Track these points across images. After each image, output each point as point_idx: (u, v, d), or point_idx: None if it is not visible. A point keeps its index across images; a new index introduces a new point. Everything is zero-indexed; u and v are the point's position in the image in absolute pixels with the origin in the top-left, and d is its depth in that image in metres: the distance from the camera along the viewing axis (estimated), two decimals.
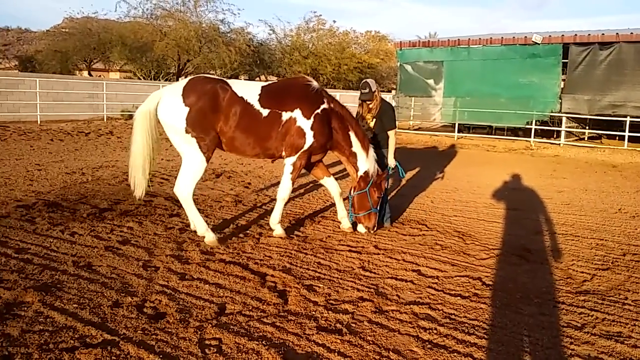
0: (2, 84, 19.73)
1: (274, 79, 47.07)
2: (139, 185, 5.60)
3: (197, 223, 5.58)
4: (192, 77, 5.78)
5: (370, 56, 45.16)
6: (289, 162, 5.78)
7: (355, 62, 43.62)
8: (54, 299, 3.93)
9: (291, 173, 5.79)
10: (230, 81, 5.67)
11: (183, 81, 5.57)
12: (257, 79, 45.61)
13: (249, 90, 5.63)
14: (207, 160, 5.49)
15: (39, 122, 18.83)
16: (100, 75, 37.31)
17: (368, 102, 6.42)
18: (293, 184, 5.91)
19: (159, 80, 33.96)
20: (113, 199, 7.27)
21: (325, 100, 5.86)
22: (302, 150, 5.71)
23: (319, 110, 5.75)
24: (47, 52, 34.94)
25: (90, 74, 37.44)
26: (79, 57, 36.37)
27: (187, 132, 5.32)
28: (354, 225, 6.29)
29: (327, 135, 5.87)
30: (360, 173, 6.08)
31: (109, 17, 37.32)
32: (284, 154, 5.78)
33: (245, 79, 42.72)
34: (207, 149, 5.44)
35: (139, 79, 35.60)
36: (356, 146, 6.03)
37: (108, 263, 4.76)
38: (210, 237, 5.47)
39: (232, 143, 5.58)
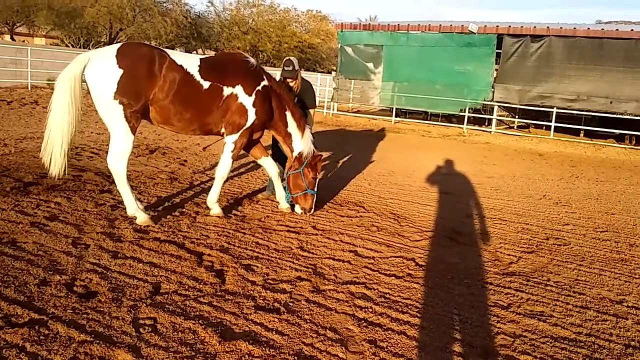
0: None
1: (211, 53, 45.97)
2: (55, 162, 5.03)
3: (127, 202, 5.30)
4: (125, 42, 5.49)
5: (311, 36, 45.02)
6: (230, 140, 5.67)
7: (296, 41, 43.39)
8: None
9: (232, 151, 5.69)
10: (168, 50, 5.45)
11: (116, 45, 5.21)
12: (195, 52, 44.36)
13: (188, 60, 5.40)
14: (133, 131, 5.14)
15: None
16: (24, 41, 34.99)
17: (289, 80, 6.37)
18: (233, 162, 5.82)
19: (89, 48, 32.29)
20: (39, 172, 6.89)
21: (264, 77, 5.79)
22: (244, 128, 5.63)
23: (259, 87, 5.67)
24: None
25: (12, 39, 35.03)
26: (0, 19, 33.94)
27: (114, 98, 4.94)
28: (292, 206, 6.30)
29: (268, 113, 5.80)
30: (295, 154, 6.07)
31: None
32: (223, 130, 5.66)
33: (181, 51, 41.48)
34: (133, 118, 5.07)
35: (67, 46, 33.71)
36: (292, 126, 6.02)
37: (34, 240, 4.52)
38: (142, 217, 5.25)
39: (167, 115, 5.27)
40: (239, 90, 5.54)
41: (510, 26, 19.41)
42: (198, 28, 39.68)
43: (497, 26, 19.56)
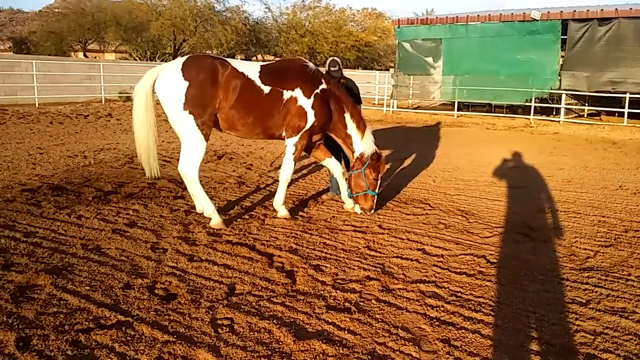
0: None
1: (270, 58, 46.77)
2: (150, 165, 5.54)
3: (205, 204, 5.56)
4: (190, 55, 5.74)
5: (367, 34, 44.84)
6: (290, 143, 5.78)
7: (353, 40, 43.32)
8: (65, 281, 3.98)
9: (293, 154, 5.80)
10: (229, 59, 5.65)
11: (181, 58, 5.51)
12: (254, 58, 45.31)
13: (248, 67, 5.59)
14: (206, 138, 5.40)
15: (37, 105, 18.73)
16: (95, 57, 36.98)
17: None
18: (295, 164, 5.93)
19: (155, 60, 33.72)
20: (117, 181, 7.30)
21: (323, 81, 5.87)
22: (303, 130, 5.72)
23: (318, 90, 5.76)
24: (41, 33, 34.59)
25: (85, 55, 37.11)
26: (73, 38, 36.05)
27: (184, 109, 5.23)
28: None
29: (327, 115, 5.88)
30: (356, 155, 6.10)
31: None
32: (284, 134, 5.78)
33: (241, 59, 42.43)
34: (205, 126, 5.34)
35: (135, 59, 35.32)
36: (351, 128, 6.06)
37: (116, 245, 4.81)
38: (216, 220, 5.50)
39: (231, 120, 5.49)
40: (298, 93, 5.66)
41: (575, 11, 18.55)
42: (257, 34, 40.46)
43: (561, 11, 18.75)
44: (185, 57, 5.53)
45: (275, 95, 5.58)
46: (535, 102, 18.85)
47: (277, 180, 6.14)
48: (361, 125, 6.08)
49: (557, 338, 3.39)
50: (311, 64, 5.90)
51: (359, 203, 6.18)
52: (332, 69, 6.38)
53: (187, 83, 5.23)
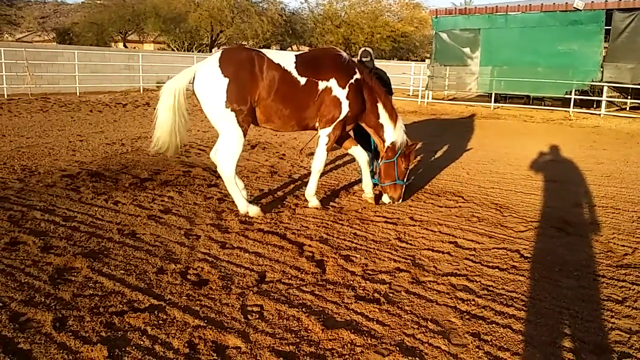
0: (41, 56, 20.19)
1: (305, 49, 46.76)
2: (168, 143, 5.42)
3: (238, 203, 5.57)
4: (225, 48, 5.71)
5: (403, 24, 44.29)
6: (324, 134, 5.76)
7: (389, 30, 42.87)
8: (101, 265, 4.10)
9: (326, 144, 5.78)
10: (263, 50, 5.63)
11: (216, 53, 5.46)
12: (289, 49, 45.37)
13: (284, 58, 5.54)
14: (244, 135, 5.39)
15: (77, 94, 19.26)
16: (135, 47, 37.66)
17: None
18: (327, 155, 5.92)
19: (192, 51, 34.15)
20: (153, 169, 7.45)
21: (357, 70, 5.82)
22: (337, 121, 5.70)
23: (352, 80, 5.71)
24: (83, 24, 35.44)
25: (125, 46, 37.87)
26: (114, 28, 36.80)
27: (226, 106, 5.19)
28: (377, 197, 6.30)
29: (361, 105, 5.84)
30: (387, 144, 6.06)
31: None
32: (317, 124, 5.77)
33: (277, 49, 42.59)
34: (245, 122, 5.33)
35: (173, 50, 35.87)
36: (384, 117, 6.01)
37: (151, 231, 4.92)
38: (253, 210, 5.51)
39: (269, 113, 5.45)
40: (332, 83, 5.61)
41: (620, 0, 17.88)
42: (292, 25, 40.48)
43: (606, 1, 18.09)
44: (219, 52, 5.46)
45: (311, 86, 5.54)
46: (575, 95, 18.31)
47: (310, 171, 6.16)
48: (393, 115, 6.03)
49: (591, 335, 3.31)
50: (345, 54, 5.86)
51: (388, 192, 6.17)
52: (364, 59, 6.37)
53: (227, 80, 5.18)
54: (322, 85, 5.58)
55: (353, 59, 5.98)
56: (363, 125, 6.13)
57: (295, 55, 5.68)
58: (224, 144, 5.42)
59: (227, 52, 5.50)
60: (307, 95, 5.54)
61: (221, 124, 5.36)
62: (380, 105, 5.96)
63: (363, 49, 6.56)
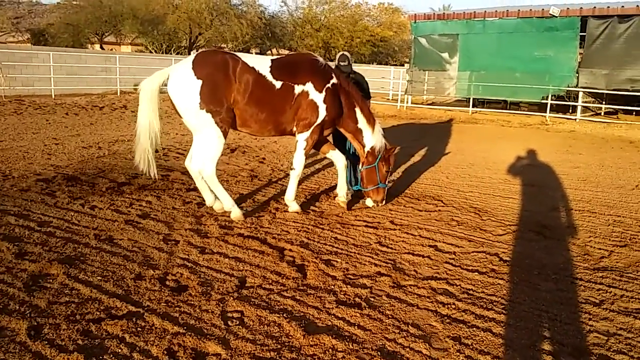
0: (16, 57, 19.80)
1: (285, 52, 46.72)
2: (147, 164, 5.44)
3: (224, 199, 5.55)
4: (200, 51, 5.67)
5: (383, 29, 44.64)
6: (302, 138, 5.73)
7: (368, 35, 43.15)
8: (78, 271, 4.01)
9: (304, 149, 5.75)
10: (239, 54, 5.59)
11: (190, 57, 5.43)
12: (269, 52, 45.29)
13: (259, 62, 5.52)
14: (225, 136, 5.36)
15: (53, 96, 18.90)
16: (112, 49, 37.23)
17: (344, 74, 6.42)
18: (306, 159, 5.89)
19: (171, 53, 33.87)
20: (130, 173, 7.34)
21: (333, 75, 5.82)
22: (315, 125, 5.68)
23: (329, 85, 5.70)
24: (59, 25, 34.87)
25: (102, 48, 37.34)
26: (90, 30, 36.26)
27: (201, 107, 5.16)
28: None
29: (338, 110, 5.83)
30: (367, 149, 6.07)
31: None
32: (294, 129, 5.74)
33: (256, 53, 42.49)
34: (223, 122, 5.29)
35: (151, 52, 35.51)
36: (362, 122, 6.02)
37: (129, 236, 4.84)
38: (236, 212, 5.50)
39: (244, 117, 5.42)
40: (309, 87, 5.60)
41: (595, 7, 18.24)
42: (272, 28, 40.42)
43: (581, 8, 18.45)
44: (193, 55, 5.45)
45: (287, 90, 5.52)
46: (551, 100, 18.61)
47: (289, 175, 6.10)
48: (371, 119, 6.05)
49: (569, 338, 3.35)
50: (321, 59, 5.86)
51: (371, 196, 6.20)
52: (341, 63, 6.38)
53: (200, 81, 5.16)
54: (298, 89, 5.56)
55: (329, 63, 5.97)
56: (342, 130, 6.13)
57: (271, 60, 5.65)
58: (203, 146, 5.35)
59: (201, 54, 5.47)
60: (283, 99, 5.52)
61: (197, 126, 5.33)
62: (357, 110, 5.97)
63: (341, 53, 6.58)
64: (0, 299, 3.51)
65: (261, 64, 5.49)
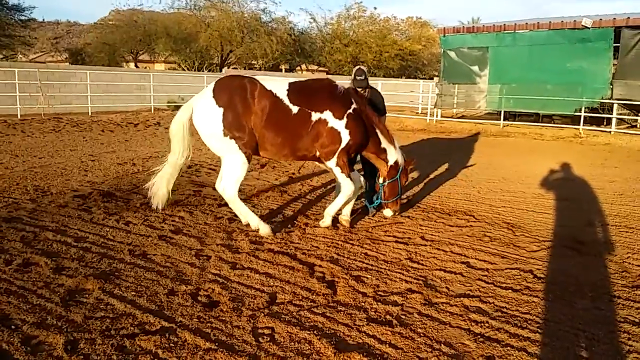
0: (55, 76, 20.49)
1: (314, 68, 47.09)
2: (160, 197, 5.77)
3: (249, 219, 5.62)
4: (220, 77, 5.78)
5: (411, 43, 44.63)
6: (332, 165, 5.70)
7: (397, 49, 43.21)
8: (113, 286, 4.10)
9: (342, 173, 5.71)
10: (258, 76, 5.64)
11: (210, 85, 5.55)
12: (298, 68, 45.74)
13: (277, 85, 5.53)
14: (248, 160, 5.46)
15: (89, 114, 19.46)
16: (146, 67, 38.19)
17: (360, 90, 6.40)
18: (351, 179, 5.78)
19: (203, 70, 34.50)
20: None
21: (353, 101, 5.76)
22: (339, 150, 5.63)
23: (350, 110, 5.67)
24: (95, 45, 36.01)
25: (136, 66, 38.37)
26: (125, 49, 37.35)
27: (225, 134, 5.31)
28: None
29: (364, 134, 5.79)
30: (391, 163, 6.06)
31: (154, 9, 38.21)
32: (317, 154, 5.68)
33: (286, 69, 42.96)
34: (247, 147, 5.39)
35: (184, 69, 36.27)
36: (384, 142, 5.99)
37: (162, 252, 4.92)
38: (264, 229, 5.54)
39: (262, 140, 5.47)
40: (327, 115, 5.56)
41: (629, 17, 17.85)
42: (301, 44, 40.88)
43: (614, 18, 18.10)
44: (213, 84, 5.55)
45: (304, 116, 5.51)
46: (585, 112, 18.24)
47: (317, 188, 6.12)
48: (390, 136, 6.05)
49: (607, 358, 3.25)
50: (340, 85, 5.83)
51: (390, 207, 6.23)
52: (358, 77, 6.38)
53: (221, 109, 5.30)
54: (315, 116, 5.54)
55: (349, 88, 5.95)
56: (365, 154, 6.11)
57: (289, 83, 5.64)
58: (227, 170, 5.50)
59: (221, 82, 5.57)
60: (299, 124, 5.51)
61: (223, 152, 5.50)
62: (379, 132, 5.95)
63: (357, 67, 6.57)
64: (38, 313, 3.60)
65: (279, 87, 5.51)
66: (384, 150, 6.04)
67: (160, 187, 5.76)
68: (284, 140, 5.51)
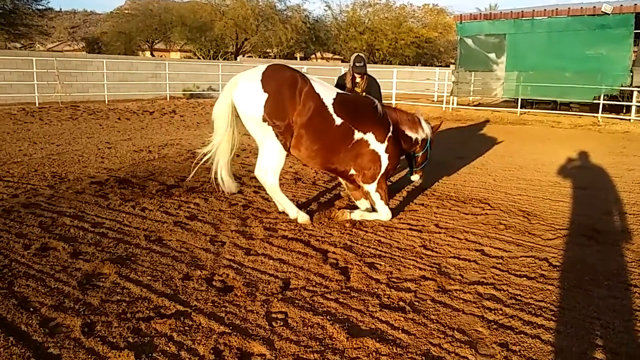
0: (72, 65, 20.67)
1: (329, 56, 46.87)
2: (226, 182, 5.47)
3: (288, 209, 5.55)
4: (271, 64, 5.47)
5: (428, 30, 44.18)
6: (372, 190, 5.61)
7: (413, 36, 42.82)
8: (129, 271, 4.15)
9: (381, 200, 5.64)
10: (309, 76, 5.45)
11: (261, 67, 5.30)
12: (313, 56, 45.57)
13: (325, 91, 5.35)
14: (285, 149, 5.25)
15: (106, 102, 19.64)
16: (162, 56, 38.34)
17: (358, 76, 6.46)
18: (388, 206, 5.73)
19: (218, 59, 34.54)
20: (179, 175, 7.54)
21: (389, 120, 5.70)
22: (380, 175, 5.59)
23: (390, 133, 5.61)
24: (111, 34, 36.20)
25: (152, 54, 38.53)
26: (141, 37, 37.52)
27: (264, 120, 5.08)
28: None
29: (399, 155, 5.82)
30: (420, 141, 6.06)
31: None
32: (351, 172, 5.59)
33: (301, 57, 42.82)
34: (284, 138, 5.16)
35: (199, 58, 36.35)
36: (412, 133, 5.93)
37: (177, 238, 4.97)
38: (303, 218, 5.50)
39: (296, 140, 5.24)
40: (370, 137, 5.47)
41: None
42: (316, 32, 40.68)
43: (635, 4, 17.69)
44: (264, 67, 5.27)
45: (346, 132, 5.36)
46: (604, 100, 17.95)
47: (333, 176, 5.96)
48: (413, 121, 5.96)
49: (624, 347, 3.22)
50: (379, 105, 5.71)
51: (419, 173, 6.36)
52: (357, 64, 6.38)
53: (266, 95, 5.04)
54: (358, 135, 5.42)
55: (384, 106, 5.84)
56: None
57: (337, 93, 5.48)
58: (264, 157, 5.31)
59: (272, 68, 5.29)
60: (340, 139, 5.35)
61: (259, 137, 5.27)
62: (407, 131, 5.88)
63: (356, 54, 6.52)
64: (56, 296, 3.67)
65: (327, 94, 5.32)
66: (416, 141, 6.02)
67: (219, 173, 5.45)
68: (320, 149, 5.29)
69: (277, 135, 5.16)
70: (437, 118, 18.22)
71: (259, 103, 5.06)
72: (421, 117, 6.13)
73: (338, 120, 5.29)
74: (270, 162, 5.28)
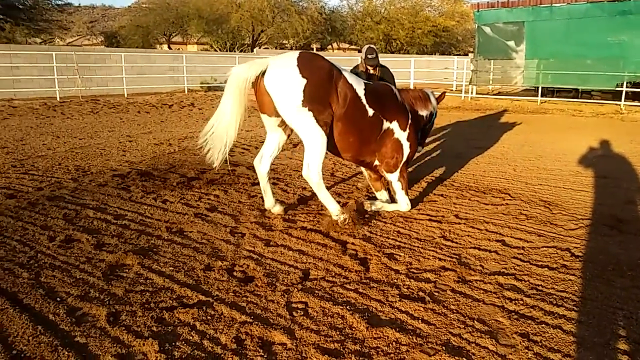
0: (91, 59, 20.91)
1: (345, 46, 46.65)
2: (215, 157, 5.04)
3: (330, 207, 5.19)
4: (302, 51, 5.18)
5: (445, 19, 43.69)
6: (394, 179, 5.62)
7: (430, 25, 42.39)
8: (151, 262, 4.22)
9: (402, 189, 5.66)
10: (337, 64, 5.29)
11: (292, 53, 5.00)
12: (329, 47, 45.40)
13: (356, 82, 5.22)
14: (327, 136, 4.93)
15: (125, 95, 19.83)
16: (179, 49, 38.56)
17: (370, 68, 6.48)
18: (408, 196, 5.75)
19: (234, 51, 34.60)
20: (199, 168, 7.61)
21: (407, 107, 5.76)
22: (402, 163, 5.62)
23: (410, 121, 5.64)
24: (129, 28, 36.47)
25: (169, 47, 38.75)
26: (159, 31, 37.73)
27: (303, 105, 4.79)
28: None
29: (417, 142, 5.93)
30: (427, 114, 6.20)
31: None
32: (375, 163, 5.59)
33: (317, 48, 42.70)
34: (324, 123, 4.88)
35: (216, 50, 36.46)
36: (425, 111, 6.11)
37: (198, 229, 5.03)
38: (343, 216, 5.11)
39: (334, 133, 5.05)
40: (395, 125, 5.49)
41: None
42: (332, 23, 40.54)
43: None
44: (296, 54, 5.00)
45: (377, 122, 5.31)
46: (626, 87, 17.60)
47: (349, 167, 6.07)
48: (422, 97, 6.07)
49: None
50: (397, 92, 5.75)
51: (422, 144, 6.56)
52: (369, 56, 6.40)
53: (305, 80, 4.78)
54: (385, 125, 5.41)
55: (399, 90, 5.90)
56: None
57: (365, 84, 5.37)
58: (308, 151, 4.97)
59: (306, 55, 5.06)
60: (372, 129, 5.29)
61: (298, 125, 4.89)
62: (419, 110, 5.98)
63: (367, 46, 6.51)
64: (81, 287, 3.75)
65: (358, 84, 5.20)
66: (423, 117, 6.11)
67: (214, 148, 5.05)
68: (354, 141, 5.19)
69: (318, 121, 4.85)
70: (457, 107, 18.08)
71: (297, 89, 4.76)
72: (428, 91, 6.23)
73: (370, 112, 5.23)
74: (314, 155, 4.91)
